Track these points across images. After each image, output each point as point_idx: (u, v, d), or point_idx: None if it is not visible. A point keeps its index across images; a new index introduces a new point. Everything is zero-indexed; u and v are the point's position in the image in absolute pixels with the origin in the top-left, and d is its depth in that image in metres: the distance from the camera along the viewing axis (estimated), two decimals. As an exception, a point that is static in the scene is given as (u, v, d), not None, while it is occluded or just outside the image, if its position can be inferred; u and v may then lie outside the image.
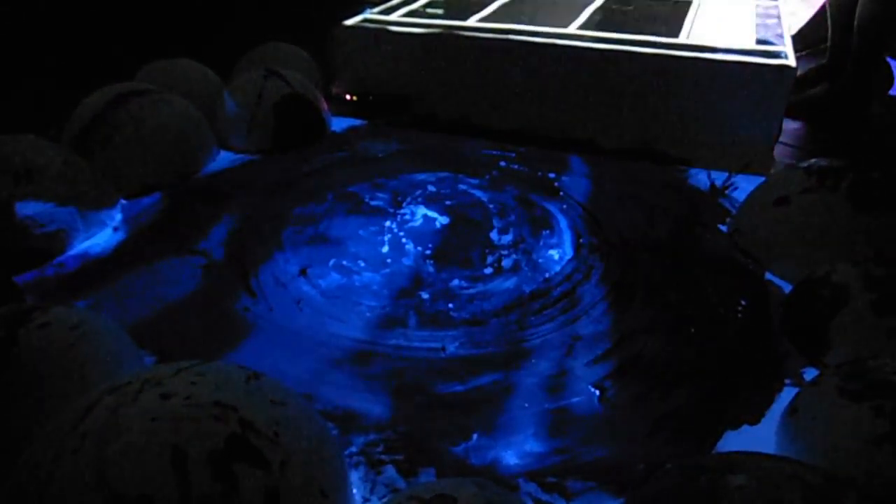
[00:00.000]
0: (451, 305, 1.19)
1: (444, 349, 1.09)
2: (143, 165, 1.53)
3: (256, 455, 0.69)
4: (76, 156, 1.39)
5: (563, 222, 1.44)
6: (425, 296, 1.22)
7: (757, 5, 2.09)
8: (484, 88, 1.85)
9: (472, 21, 1.94)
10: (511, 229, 1.41)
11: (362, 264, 1.31)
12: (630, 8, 2.17)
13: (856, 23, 1.82)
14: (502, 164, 1.71)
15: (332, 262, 1.31)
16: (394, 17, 2.00)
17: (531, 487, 0.86)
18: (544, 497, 0.85)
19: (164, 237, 1.39)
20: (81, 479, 0.64)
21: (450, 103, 1.91)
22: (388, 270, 1.29)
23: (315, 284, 1.25)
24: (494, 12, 2.08)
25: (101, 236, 1.38)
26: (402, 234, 1.40)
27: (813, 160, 1.32)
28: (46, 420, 0.75)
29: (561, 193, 1.56)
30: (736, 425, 0.95)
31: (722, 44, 1.68)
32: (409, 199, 1.53)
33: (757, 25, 1.89)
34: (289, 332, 1.13)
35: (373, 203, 1.52)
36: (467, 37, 1.82)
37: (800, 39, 2.33)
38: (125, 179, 1.51)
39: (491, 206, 1.50)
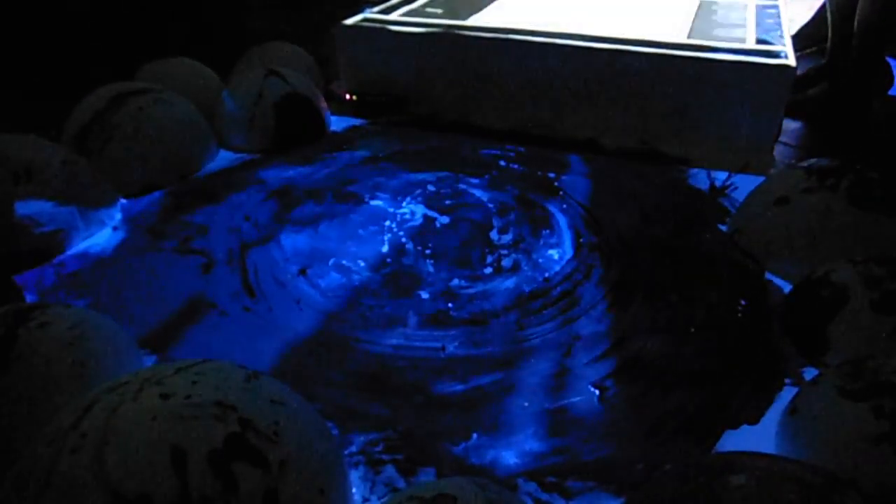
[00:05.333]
0: (451, 305, 1.19)
1: (444, 349, 1.09)
2: (143, 165, 1.53)
3: (256, 455, 0.69)
4: (76, 155, 1.39)
5: (563, 222, 1.44)
6: (425, 296, 1.22)
7: (757, 5, 2.09)
8: (484, 88, 1.85)
9: (472, 21, 1.94)
10: (511, 229, 1.41)
11: (362, 264, 1.31)
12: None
13: (856, 22, 1.82)
14: (502, 164, 1.71)
15: (331, 261, 1.31)
16: (393, 16, 2.00)
17: (531, 487, 0.86)
18: (544, 497, 0.85)
19: (164, 237, 1.39)
20: (81, 478, 0.64)
21: (450, 103, 1.91)
22: (387, 270, 1.29)
23: (315, 284, 1.25)
24: (494, 12, 2.08)
25: (100, 236, 1.38)
26: (401, 233, 1.40)
27: (813, 160, 1.32)
28: (46, 420, 0.75)
29: (561, 193, 1.56)
30: (736, 425, 0.95)
31: (722, 44, 1.68)
32: (409, 199, 1.52)
33: (757, 25, 1.89)
34: (289, 331, 1.13)
35: (373, 203, 1.52)
36: (467, 37, 1.82)
37: (800, 39, 2.33)
38: (125, 179, 1.51)
39: (491, 205, 1.50)
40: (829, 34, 2.02)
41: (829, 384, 0.86)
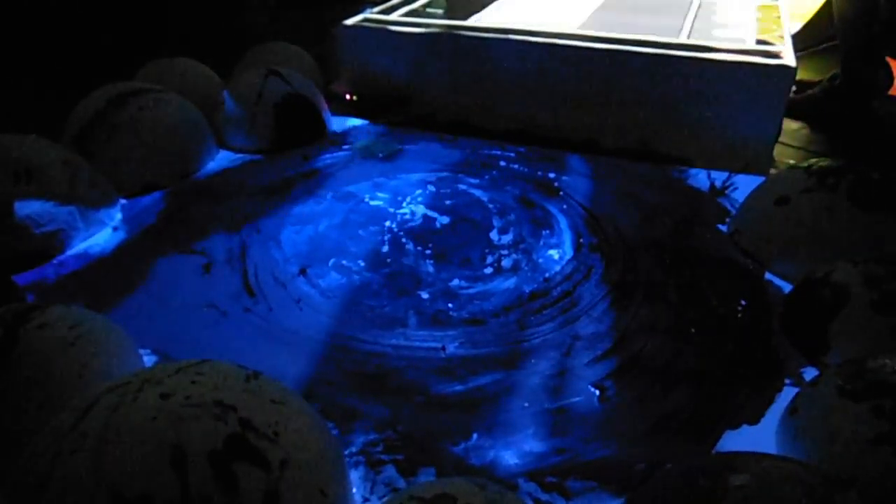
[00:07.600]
0: (450, 305, 1.19)
1: (444, 349, 1.09)
2: (143, 165, 1.53)
3: (256, 455, 0.68)
4: (76, 155, 1.39)
5: (563, 222, 1.44)
6: (425, 296, 1.22)
7: (757, 5, 2.09)
8: (484, 88, 1.85)
9: (472, 21, 1.94)
10: (511, 229, 1.41)
11: (362, 264, 1.30)
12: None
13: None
14: (502, 164, 1.71)
15: (332, 261, 1.31)
16: (394, 16, 2.00)
17: (531, 487, 0.86)
18: (544, 497, 0.85)
19: (164, 237, 1.39)
20: (81, 478, 0.64)
21: (450, 103, 1.90)
22: (387, 270, 1.29)
23: (315, 284, 1.25)
24: (494, 12, 2.08)
25: (100, 236, 1.38)
26: (401, 233, 1.40)
27: (813, 160, 1.32)
28: (46, 420, 0.75)
29: (561, 193, 1.56)
30: (736, 425, 0.95)
31: (722, 44, 1.68)
32: (409, 199, 1.52)
33: (757, 25, 1.89)
34: (289, 331, 1.13)
35: (373, 203, 1.52)
36: (467, 37, 1.82)
37: (800, 39, 2.33)
38: (125, 179, 1.51)
39: (491, 205, 1.50)
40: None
41: (829, 384, 0.86)
